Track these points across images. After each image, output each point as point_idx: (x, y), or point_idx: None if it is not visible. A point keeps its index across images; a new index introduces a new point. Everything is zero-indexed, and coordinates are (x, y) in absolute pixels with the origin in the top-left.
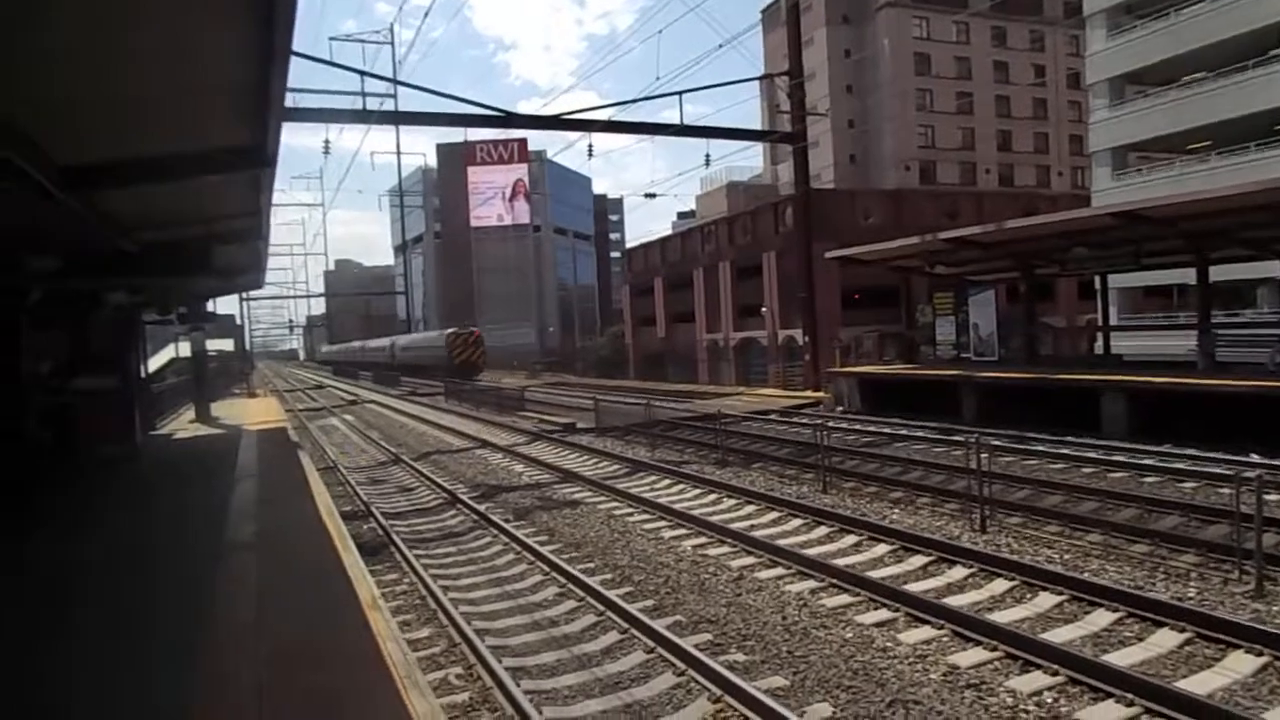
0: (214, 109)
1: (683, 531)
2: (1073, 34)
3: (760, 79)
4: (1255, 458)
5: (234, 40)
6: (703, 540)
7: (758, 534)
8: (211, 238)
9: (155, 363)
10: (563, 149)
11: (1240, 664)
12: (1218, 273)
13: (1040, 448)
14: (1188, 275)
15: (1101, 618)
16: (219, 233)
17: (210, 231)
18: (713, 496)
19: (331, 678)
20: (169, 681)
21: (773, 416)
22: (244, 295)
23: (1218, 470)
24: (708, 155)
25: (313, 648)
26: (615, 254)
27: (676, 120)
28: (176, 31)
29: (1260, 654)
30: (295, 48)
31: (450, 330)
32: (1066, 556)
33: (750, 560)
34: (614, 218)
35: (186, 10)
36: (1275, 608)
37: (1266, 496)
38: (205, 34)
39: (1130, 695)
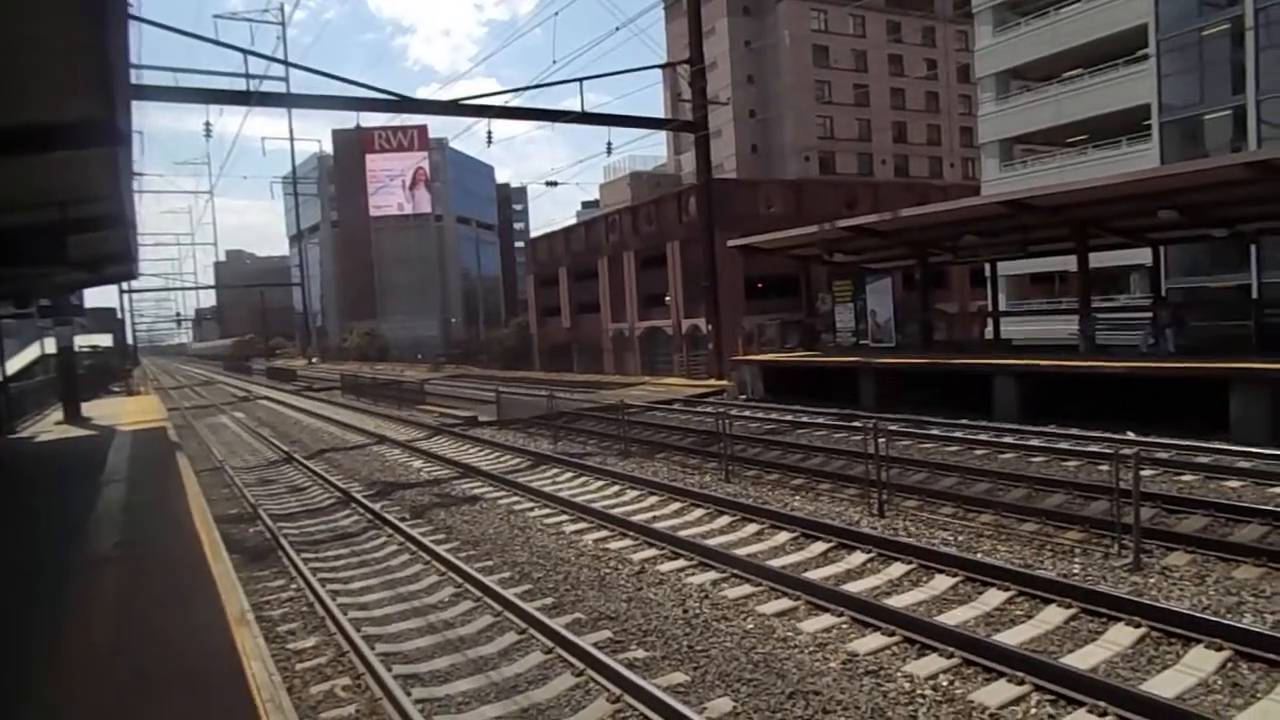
0: (45, 77)
1: (584, 525)
2: (961, 30)
3: (662, 67)
4: (1131, 435)
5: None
6: (604, 534)
7: (660, 526)
8: (67, 224)
9: (20, 360)
10: (460, 133)
11: (1121, 636)
12: (1096, 260)
13: (935, 431)
14: (1069, 263)
15: (994, 597)
16: (75, 219)
17: (65, 217)
18: (615, 488)
19: (188, 704)
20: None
21: (676, 406)
22: (124, 287)
23: (1098, 450)
24: (609, 143)
25: (171, 671)
26: (520, 244)
27: (577, 108)
28: None
29: (1139, 625)
30: (173, 23)
31: (235, 338)
32: (961, 538)
33: (652, 553)
34: (518, 206)
35: None
36: (1151, 580)
37: (1142, 473)
38: None
39: (1021, 674)
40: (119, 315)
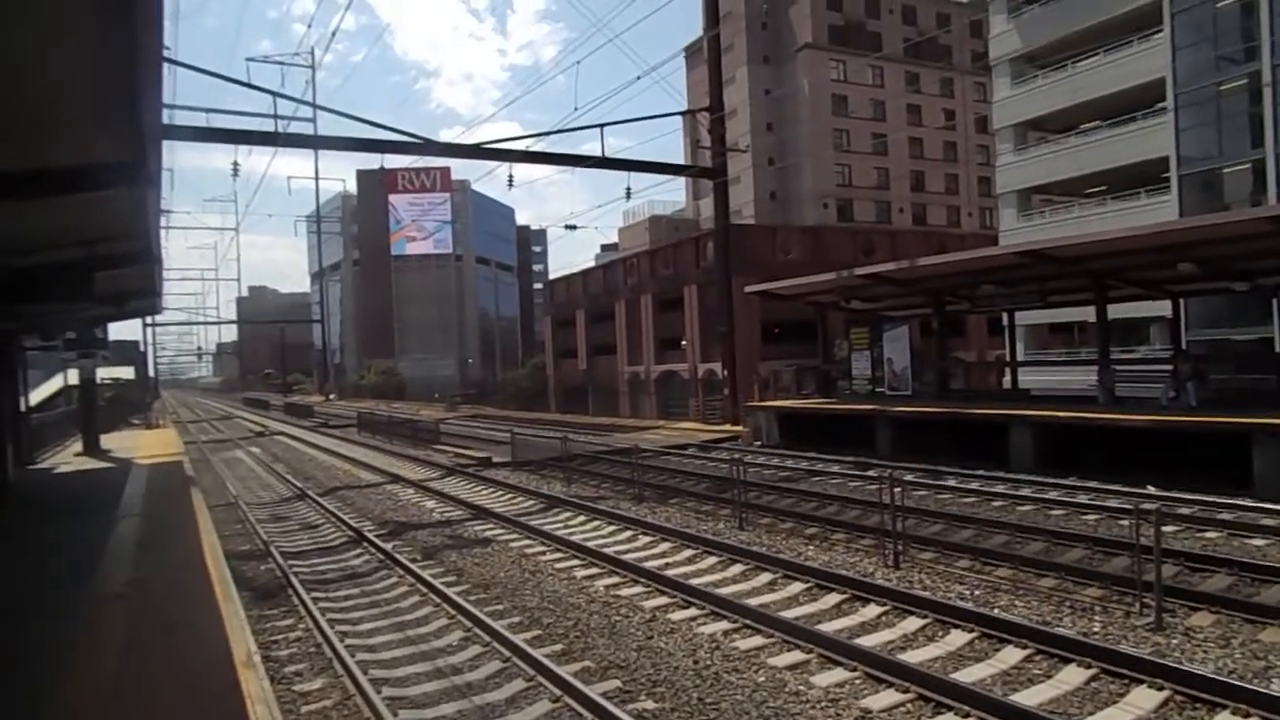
0: (76, 120)
1: (596, 571)
2: (979, 81)
3: (683, 114)
4: (1152, 489)
5: (91, 41)
6: (616, 580)
7: (671, 573)
8: (93, 261)
9: (44, 391)
10: (482, 176)
11: (1143, 699)
12: (1115, 311)
13: (952, 481)
14: (1088, 313)
15: (1011, 655)
16: (102, 256)
17: (92, 254)
18: (628, 534)
19: None
20: None
21: (691, 450)
22: (148, 320)
23: (1118, 505)
24: (628, 188)
25: (171, 715)
26: (538, 285)
27: (598, 152)
28: (24, 35)
29: (1161, 689)
30: (207, 65)
31: (223, 378)
32: (977, 592)
33: (664, 600)
34: (537, 248)
35: (31, 11)
36: (1175, 641)
37: (1164, 529)
38: (56, 34)
39: None
40: (142, 348)
